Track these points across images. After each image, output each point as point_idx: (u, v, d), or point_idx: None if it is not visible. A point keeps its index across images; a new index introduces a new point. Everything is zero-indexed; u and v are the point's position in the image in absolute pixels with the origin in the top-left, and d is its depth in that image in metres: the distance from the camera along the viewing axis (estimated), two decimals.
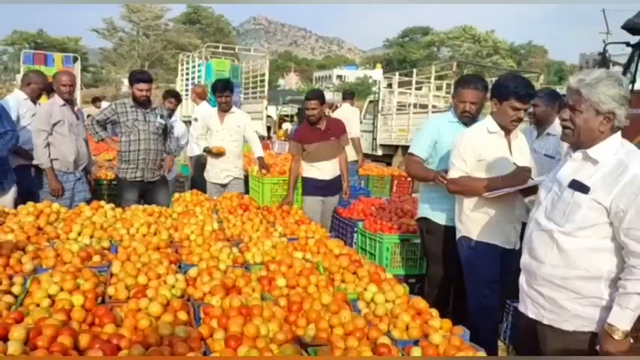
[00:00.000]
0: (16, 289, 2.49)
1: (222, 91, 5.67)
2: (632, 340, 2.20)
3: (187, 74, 15.69)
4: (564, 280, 2.21)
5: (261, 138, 14.42)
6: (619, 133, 2.19)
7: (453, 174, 3.22)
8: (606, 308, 2.12)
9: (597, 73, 2.13)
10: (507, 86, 3.09)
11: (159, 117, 5.16)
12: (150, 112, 5.13)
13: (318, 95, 5.15)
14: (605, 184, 2.10)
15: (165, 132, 5.29)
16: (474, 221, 3.20)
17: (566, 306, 2.21)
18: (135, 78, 5.08)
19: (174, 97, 6.87)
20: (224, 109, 5.74)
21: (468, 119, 3.54)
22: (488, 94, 3.40)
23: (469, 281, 3.30)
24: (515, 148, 3.25)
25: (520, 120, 3.15)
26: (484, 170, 3.15)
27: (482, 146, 3.16)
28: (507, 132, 3.21)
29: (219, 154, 5.64)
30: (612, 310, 2.07)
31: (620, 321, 2.05)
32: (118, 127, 5.15)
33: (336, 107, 20.20)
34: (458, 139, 3.23)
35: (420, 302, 2.66)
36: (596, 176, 2.13)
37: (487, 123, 3.23)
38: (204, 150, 5.84)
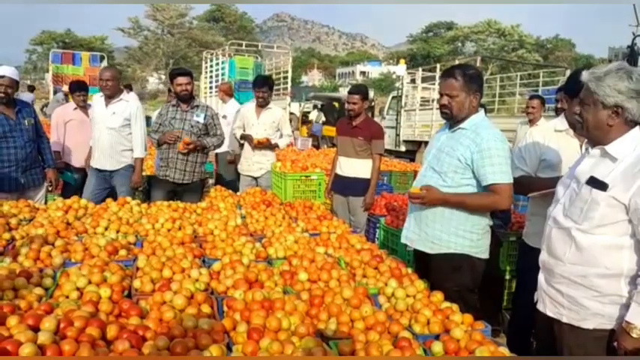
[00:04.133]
0: (46, 282, 2.57)
1: (261, 87, 5.82)
2: None
3: (211, 72, 15.82)
4: (583, 278, 2.18)
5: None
6: (637, 127, 2.13)
7: (513, 174, 2.98)
8: (627, 306, 2.08)
9: (609, 67, 2.09)
10: (580, 80, 2.73)
11: (195, 116, 5.01)
12: (189, 111, 5.03)
13: (361, 90, 5.09)
14: (623, 181, 2.06)
15: (207, 131, 5.12)
16: (530, 224, 3.15)
17: (586, 304, 2.18)
18: (173, 73, 5.08)
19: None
20: (260, 104, 5.89)
21: (446, 116, 3.00)
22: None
23: (523, 282, 3.28)
24: None
25: None
26: (547, 171, 3.00)
27: (546, 145, 3.03)
28: None
29: (259, 143, 5.79)
30: (630, 308, 2.04)
31: (638, 318, 2.01)
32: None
33: (372, 101, 20.08)
34: (524, 137, 3.09)
35: (440, 297, 2.67)
36: (614, 173, 2.09)
37: (556, 121, 3.09)
38: (241, 137, 5.98)
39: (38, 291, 2.44)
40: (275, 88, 16.02)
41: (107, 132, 5.11)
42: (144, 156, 5.36)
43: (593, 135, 2.18)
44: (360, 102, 4.98)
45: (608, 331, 2.16)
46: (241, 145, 6.13)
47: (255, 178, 5.99)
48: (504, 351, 2.19)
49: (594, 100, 2.11)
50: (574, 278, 2.20)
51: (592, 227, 2.13)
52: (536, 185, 3.00)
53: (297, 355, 1.99)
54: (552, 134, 3.07)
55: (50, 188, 4.91)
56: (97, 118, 5.18)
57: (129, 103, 5.17)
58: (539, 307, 2.42)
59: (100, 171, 5.20)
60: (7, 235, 3.30)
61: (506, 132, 3.91)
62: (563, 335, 2.29)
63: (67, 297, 2.42)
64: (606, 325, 2.16)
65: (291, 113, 16.40)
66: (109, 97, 5.09)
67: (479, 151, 2.81)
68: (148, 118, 5.68)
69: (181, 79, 4.94)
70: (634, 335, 2.01)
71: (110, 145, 5.13)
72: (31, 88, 19.50)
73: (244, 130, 5.99)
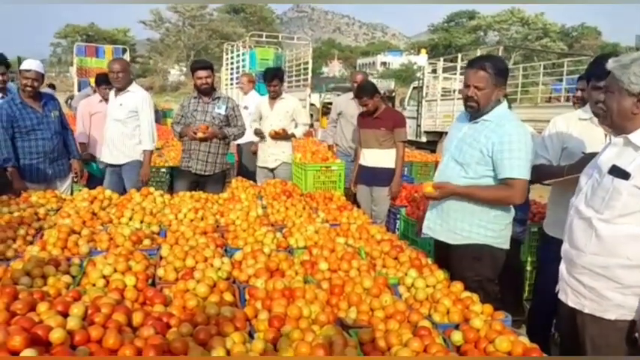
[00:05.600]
0: (73, 270, 2.64)
1: (271, 80, 5.86)
2: None
3: (232, 63, 15.91)
4: (605, 269, 2.15)
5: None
6: None
7: (534, 161, 2.95)
8: None
9: (635, 54, 2.05)
10: (600, 65, 2.49)
11: (216, 108, 5.04)
12: (210, 103, 5.07)
13: (365, 90, 5.02)
14: None
15: (228, 123, 5.14)
16: (550, 213, 3.14)
17: (608, 295, 2.15)
18: (194, 67, 5.14)
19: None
20: (273, 96, 5.95)
21: (472, 109, 2.93)
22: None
23: (544, 272, 3.26)
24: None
25: None
26: (569, 160, 2.92)
27: (568, 134, 2.99)
28: None
29: (276, 134, 5.82)
30: None
31: None
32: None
33: (393, 91, 19.91)
34: (548, 125, 3.09)
35: (460, 287, 2.67)
36: (637, 161, 2.06)
37: (580, 110, 3.05)
38: (255, 131, 6.03)
39: (66, 279, 2.51)
40: (295, 79, 16.14)
41: (114, 124, 5.07)
42: (152, 148, 5.24)
43: (616, 123, 2.15)
44: (371, 100, 4.98)
45: (630, 322, 2.14)
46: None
47: (272, 170, 6.00)
48: (524, 340, 2.19)
49: (619, 88, 2.07)
50: (595, 269, 2.18)
51: (613, 217, 2.10)
52: (548, 173, 2.96)
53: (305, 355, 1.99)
54: (576, 123, 3.03)
55: (75, 179, 5.01)
56: (108, 111, 5.20)
57: (135, 94, 5.06)
58: (561, 297, 2.40)
59: (110, 166, 5.20)
60: (35, 225, 3.39)
61: (527, 122, 3.88)
62: (585, 326, 2.27)
63: (94, 285, 2.48)
64: (628, 316, 2.13)
65: (311, 104, 16.41)
66: (119, 89, 5.05)
67: (500, 143, 2.79)
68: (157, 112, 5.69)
69: (201, 73, 4.99)
70: None
71: (116, 137, 5.08)
72: (52, 87, 19.66)
73: (260, 123, 6.05)
